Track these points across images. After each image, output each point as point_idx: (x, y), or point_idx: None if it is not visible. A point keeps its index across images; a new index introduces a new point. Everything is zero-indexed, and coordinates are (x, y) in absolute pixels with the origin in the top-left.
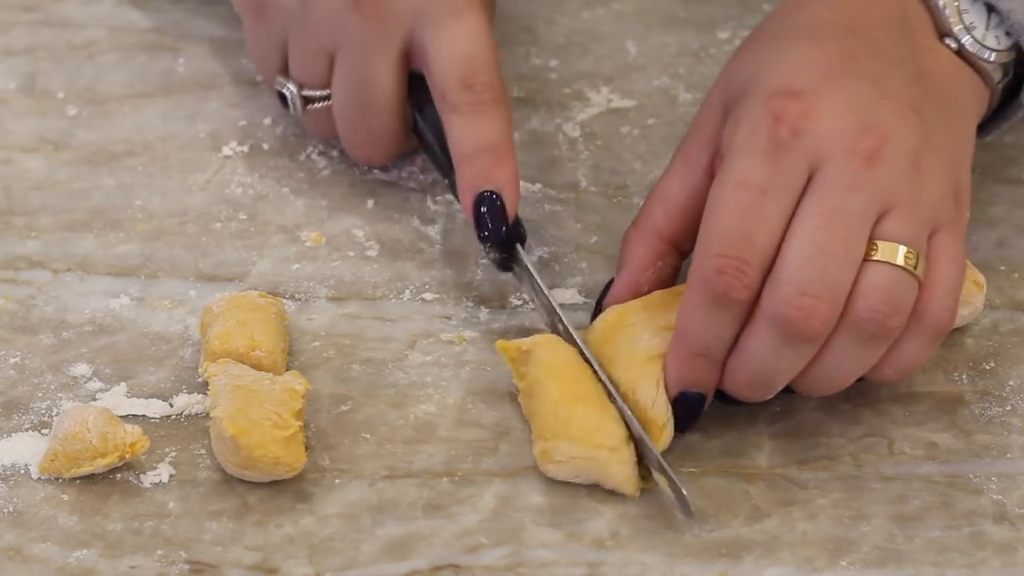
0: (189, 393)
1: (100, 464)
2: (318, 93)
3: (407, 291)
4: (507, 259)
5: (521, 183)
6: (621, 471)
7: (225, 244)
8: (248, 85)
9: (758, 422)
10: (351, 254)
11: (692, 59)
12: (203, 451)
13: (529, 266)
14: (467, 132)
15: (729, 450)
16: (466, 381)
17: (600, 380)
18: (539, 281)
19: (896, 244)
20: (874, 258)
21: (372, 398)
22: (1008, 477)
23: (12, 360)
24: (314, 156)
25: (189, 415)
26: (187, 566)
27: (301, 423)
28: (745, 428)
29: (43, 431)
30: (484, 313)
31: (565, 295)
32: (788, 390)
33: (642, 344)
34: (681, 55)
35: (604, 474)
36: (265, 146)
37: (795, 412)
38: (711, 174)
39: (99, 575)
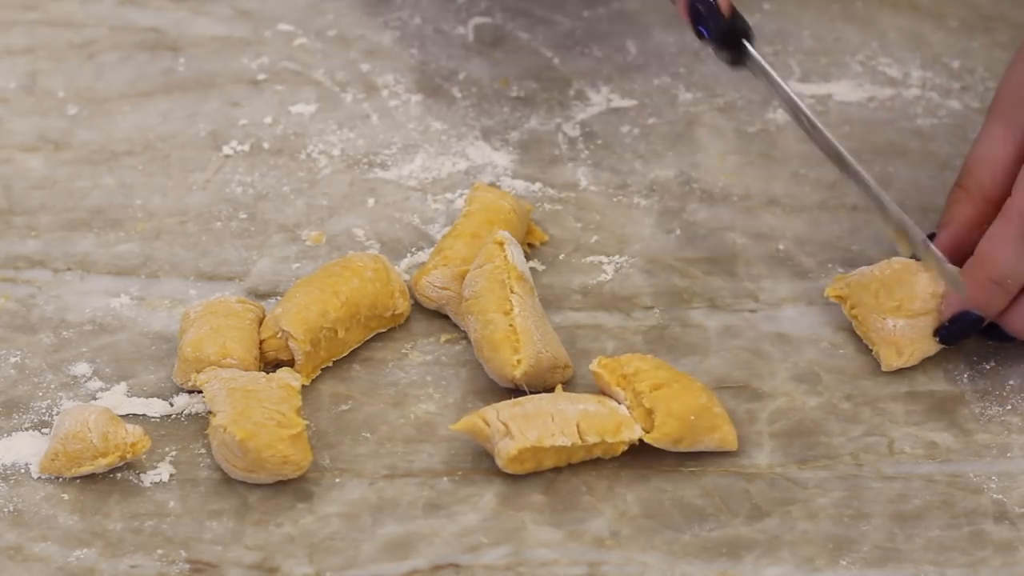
0: (189, 393)
1: (101, 464)
2: None
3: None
4: (735, 56)
5: (521, 183)
6: None
7: (225, 243)
8: (248, 84)
9: (758, 422)
10: (351, 254)
11: (692, 59)
12: (203, 450)
13: (760, 59)
14: None
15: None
16: (466, 381)
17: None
18: (773, 74)
19: None
20: None
21: (372, 397)
22: (1008, 476)
23: (12, 359)
24: (314, 155)
25: (189, 414)
26: (187, 565)
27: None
28: (745, 428)
29: (43, 430)
30: None
31: (567, 296)
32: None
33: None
34: (681, 55)
35: None
36: (265, 145)
37: (795, 412)
38: None
39: (99, 574)
